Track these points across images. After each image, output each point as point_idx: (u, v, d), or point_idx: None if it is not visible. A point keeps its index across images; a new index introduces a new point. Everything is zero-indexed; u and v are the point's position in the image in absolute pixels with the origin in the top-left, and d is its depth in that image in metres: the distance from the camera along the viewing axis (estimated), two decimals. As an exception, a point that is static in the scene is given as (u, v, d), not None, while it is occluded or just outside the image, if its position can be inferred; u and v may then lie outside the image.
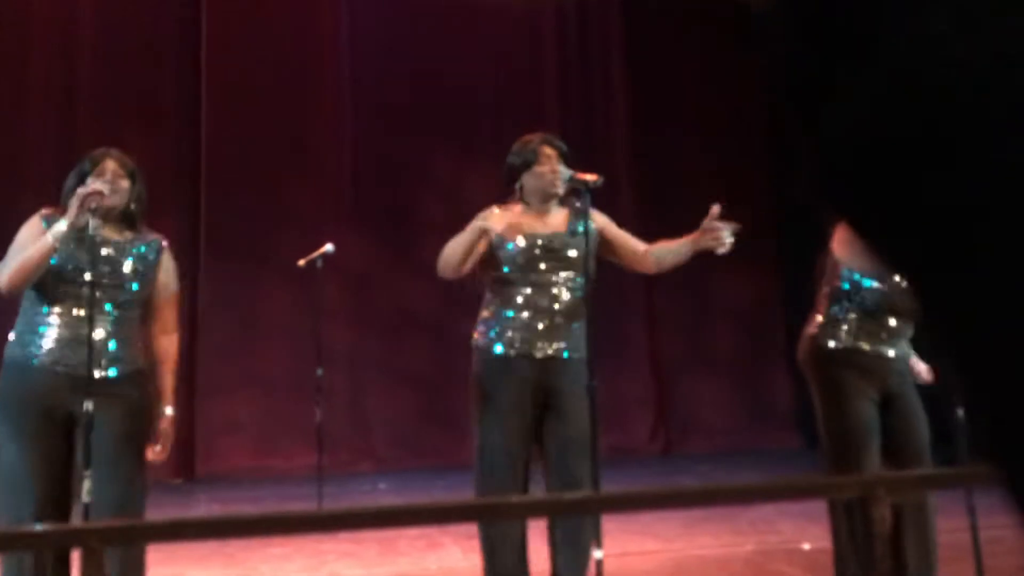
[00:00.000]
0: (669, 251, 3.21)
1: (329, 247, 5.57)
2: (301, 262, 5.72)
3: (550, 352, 3.02)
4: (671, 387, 8.23)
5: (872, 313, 3.36)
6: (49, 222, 2.80)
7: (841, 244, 3.36)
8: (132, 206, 2.91)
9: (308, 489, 5.72)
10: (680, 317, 7.86)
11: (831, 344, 3.35)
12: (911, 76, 0.37)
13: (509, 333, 3.02)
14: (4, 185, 7.04)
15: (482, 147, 7.91)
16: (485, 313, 3.14)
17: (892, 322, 3.37)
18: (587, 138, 8.07)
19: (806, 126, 0.42)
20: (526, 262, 3.05)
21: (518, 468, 2.99)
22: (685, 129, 8.29)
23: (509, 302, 3.06)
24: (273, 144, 7.63)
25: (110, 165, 2.87)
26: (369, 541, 4.68)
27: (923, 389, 3.44)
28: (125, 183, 2.88)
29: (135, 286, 2.87)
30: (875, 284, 3.34)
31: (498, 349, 3.04)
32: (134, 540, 2.12)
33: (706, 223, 3.08)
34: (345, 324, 7.46)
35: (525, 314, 3.02)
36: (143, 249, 2.92)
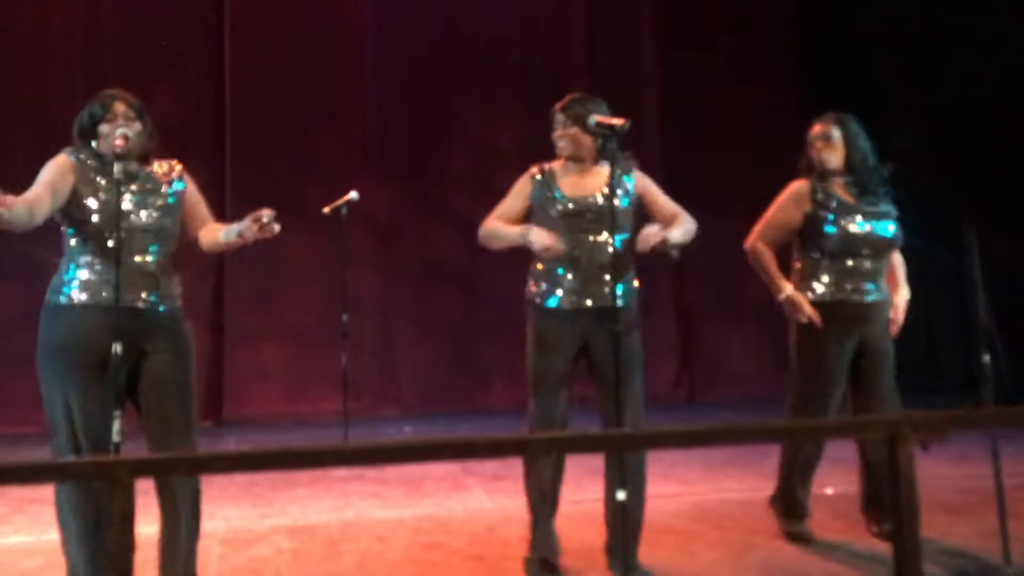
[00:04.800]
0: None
1: (354, 194, 5.58)
2: (326, 209, 5.73)
3: (594, 304, 3.18)
4: (697, 335, 8.21)
5: (842, 257, 3.47)
6: (75, 155, 2.87)
7: (789, 201, 3.57)
8: (147, 145, 2.97)
9: (334, 432, 5.81)
10: (707, 264, 7.78)
11: (810, 296, 3.50)
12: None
13: (559, 289, 3.22)
14: (31, 137, 7.08)
15: (508, 97, 7.83)
16: (536, 269, 3.31)
17: (867, 264, 3.49)
18: (616, 89, 7.91)
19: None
20: (566, 225, 3.20)
21: (562, 406, 3.22)
22: (714, 78, 8.12)
23: (556, 260, 3.20)
24: (298, 94, 7.59)
25: (120, 108, 2.92)
26: (395, 482, 4.76)
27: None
28: (137, 124, 2.93)
29: (171, 218, 2.94)
30: (835, 229, 3.46)
31: (551, 303, 3.23)
32: (164, 473, 2.17)
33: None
34: (372, 274, 7.49)
35: (570, 271, 3.20)
36: (170, 181, 2.97)
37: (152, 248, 2.87)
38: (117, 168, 2.73)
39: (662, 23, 8.32)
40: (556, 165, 3.33)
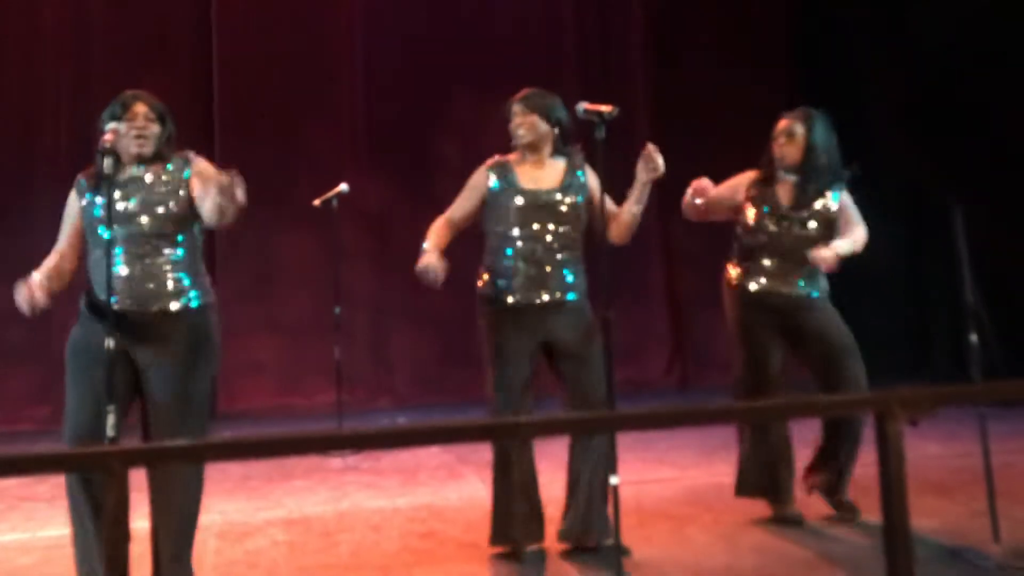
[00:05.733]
0: (626, 210, 3.27)
1: (344, 187, 5.58)
2: (316, 202, 5.73)
3: (548, 299, 3.22)
4: (688, 322, 8.23)
5: (763, 254, 3.57)
6: (79, 189, 2.89)
7: (735, 183, 3.68)
8: (164, 148, 2.92)
9: (329, 424, 5.82)
10: (697, 252, 7.81)
11: (749, 286, 3.60)
12: None
13: (510, 283, 3.24)
14: (20, 125, 7.05)
15: (499, 87, 7.76)
16: (487, 262, 3.34)
17: (790, 260, 3.54)
18: (604, 74, 7.95)
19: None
20: (522, 218, 3.24)
21: (525, 403, 3.31)
22: (703, 62, 8.13)
23: (508, 254, 3.25)
24: (288, 86, 7.56)
25: (140, 109, 2.87)
26: (389, 472, 4.78)
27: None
28: (155, 128, 2.89)
29: (178, 220, 2.84)
30: (755, 224, 3.58)
31: (501, 297, 3.25)
32: (157, 462, 2.18)
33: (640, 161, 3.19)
34: (364, 266, 7.48)
35: (522, 265, 3.22)
36: (177, 178, 2.88)
37: (159, 250, 2.82)
38: (107, 163, 2.70)
39: (654, 23, 8.30)
40: (511, 158, 3.37)
